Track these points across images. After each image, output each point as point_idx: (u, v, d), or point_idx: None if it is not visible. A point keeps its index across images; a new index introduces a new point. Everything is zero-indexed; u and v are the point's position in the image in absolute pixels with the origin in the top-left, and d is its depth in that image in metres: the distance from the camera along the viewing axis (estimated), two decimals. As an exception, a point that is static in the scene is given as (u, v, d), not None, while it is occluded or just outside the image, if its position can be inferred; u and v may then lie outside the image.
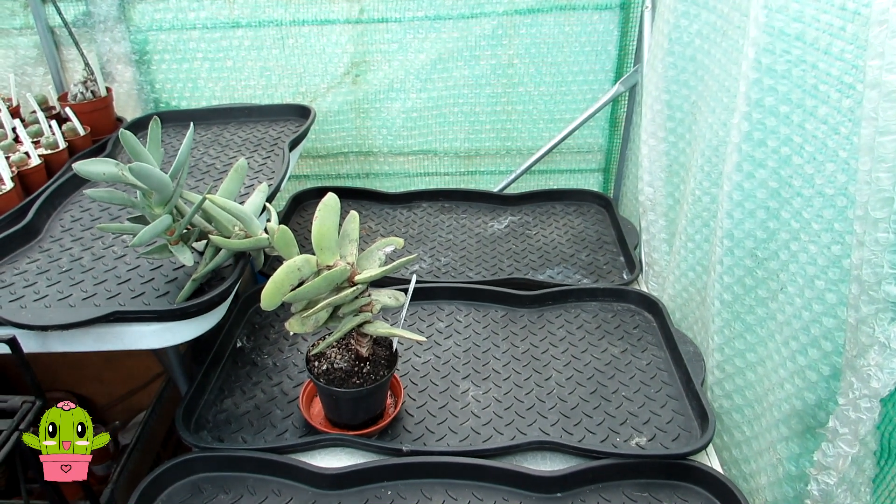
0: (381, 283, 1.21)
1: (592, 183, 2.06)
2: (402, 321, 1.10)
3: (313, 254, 0.97)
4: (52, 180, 1.40)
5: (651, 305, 1.40)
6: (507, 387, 1.22)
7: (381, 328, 1.03)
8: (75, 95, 1.64)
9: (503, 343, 1.32)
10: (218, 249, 1.08)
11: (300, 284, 0.94)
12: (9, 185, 1.31)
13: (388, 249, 1.04)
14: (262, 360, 1.30)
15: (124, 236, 1.23)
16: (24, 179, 1.38)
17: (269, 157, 1.56)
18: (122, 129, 1.01)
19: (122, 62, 1.83)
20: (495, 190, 1.94)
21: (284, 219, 1.76)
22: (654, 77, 1.50)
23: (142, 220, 1.05)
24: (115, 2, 1.75)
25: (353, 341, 1.08)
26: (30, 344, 1.01)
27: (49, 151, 1.47)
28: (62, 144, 1.50)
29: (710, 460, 1.07)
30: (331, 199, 0.99)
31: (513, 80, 1.87)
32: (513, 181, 1.98)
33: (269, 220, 1.04)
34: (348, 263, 0.98)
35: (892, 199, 0.75)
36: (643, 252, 1.63)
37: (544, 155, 1.94)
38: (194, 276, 1.07)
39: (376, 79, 1.87)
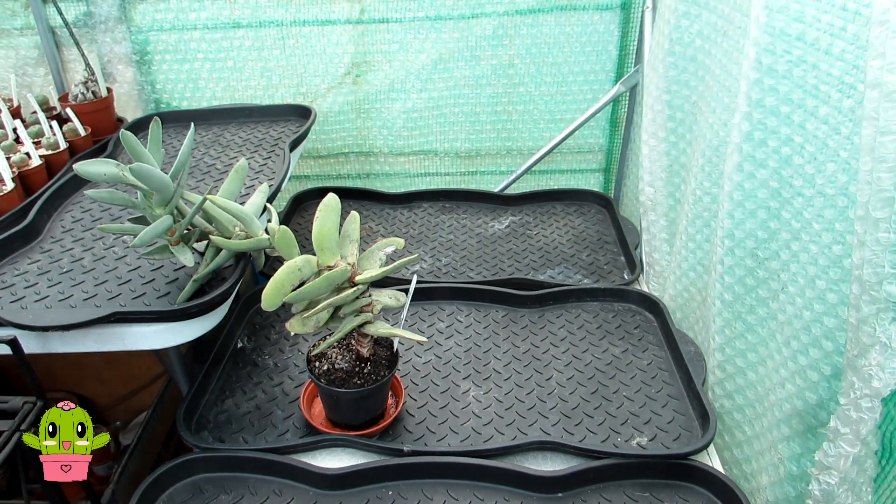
0: (381, 283, 1.21)
1: (593, 183, 2.06)
2: (403, 321, 1.10)
3: (314, 254, 0.97)
4: (52, 181, 1.40)
5: (652, 305, 1.40)
6: (507, 387, 1.22)
7: (381, 328, 1.03)
8: (76, 96, 1.64)
9: (504, 343, 1.32)
10: (219, 250, 1.08)
11: (301, 285, 0.94)
12: (10, 185, 1.31)
13: (389, 250, 1.04)
14: (263, 360, 1.30)
15: (125, 237, 1.23)
16: (24, 180, 1.38)
17: (269, 157, 1.56)
18: (122, 130, 1.01)
19: (123, 62, 1.83)
20: (496, 190, 1.94)
21: (285, 219, 1.76)
22: (654, 77, 1.50)
23: (142, 221, 1.05)
24: (116, 2, 1.76)
25: (353, 342, 1.08)
26: (31, 344, 1.01)
27: (50, 152, 1.47)
28: (63, 145, 1.50)
29: (712, 460, 1.07)
30: (331, 200, 0.99)
31: (513, 81, 1.87)
32: (513, 181, 1.98)
33: (269, 221, 1.04)
34: (349, 264, 0.98)
35: (893, 199, 0.75)
36: (644, 252, 1.63)
37: (545, 155, 1.94)
38: (195, 277, 1.07)
39: (377, 79, 1.87)
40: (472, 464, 1.05)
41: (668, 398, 1.18)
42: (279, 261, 0.97)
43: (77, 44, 1.65)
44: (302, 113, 1.76)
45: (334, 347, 1.10)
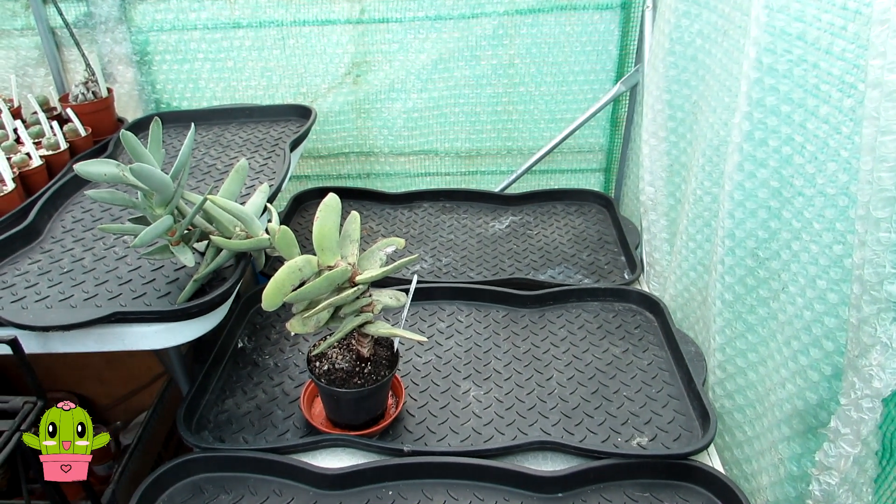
0: (382, 283, 1.21)
1: (593, 183, 2.05)
2: (404, 321, 1.10)
3: (314, 254, 0.97)
4: (53, 181, 1.40)
5: (652, 305, 1.40)
6: (508, 387, 1.22)
7: (382, 328, 1.03)
8: (76, 96, 1.64)
9: (504, 343, 1.32)
10: (219, 250, 1.08)
11: (301, 285, 0.94)
12: (10, 185, 1.31)
13: (389, 250, 1.04)
14: (264, 360, 1.30)
15: (125, 237, 1.23)
16: (25, 180, 1.38)
17: (269, 157, 1.56)
18: (123, 130, 1.01)
19: (124, 63, 1.83)
20: (496, 190, 1.94)
21: (285, 219, 1.76)
22: (655, 77, 1.50)
23: (143, 221, 1.05)
24: (117, 2, 1.76)
25: (354, 342, 1.08)
26: (31, 344, 1.01)
27: (50, 152, 1.47)
28: (63, 145, 1.50)
29: (712, 460, 1.07)
30: (332, 200, 0.99)
31: (514, 80, 1.87)
32: (514, 181, 1.98)
33: (270, 221, 1.04)
34: (349, 264, 0.98)
35: (894, 199, 0.75)
36: (644, 252, 1.63)
37: (545, 155, 1.94)
38: (195, 277, 1.07)
39: (377, 79, 1.87)
40: (473, 464, 1.04)
41: (668, 398, 1.18)
42: (279, 261, 0.97)
43: (77, 44, 1.65)
44: (302, 113, 1.76)
45: (335, 347, 1.10)
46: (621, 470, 1.05)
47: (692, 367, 1.20)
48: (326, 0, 1.76)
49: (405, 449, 1.07)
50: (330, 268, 0.96)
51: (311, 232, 0.97)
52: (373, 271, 0.98)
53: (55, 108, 1.70)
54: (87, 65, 1.65)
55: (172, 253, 1.05)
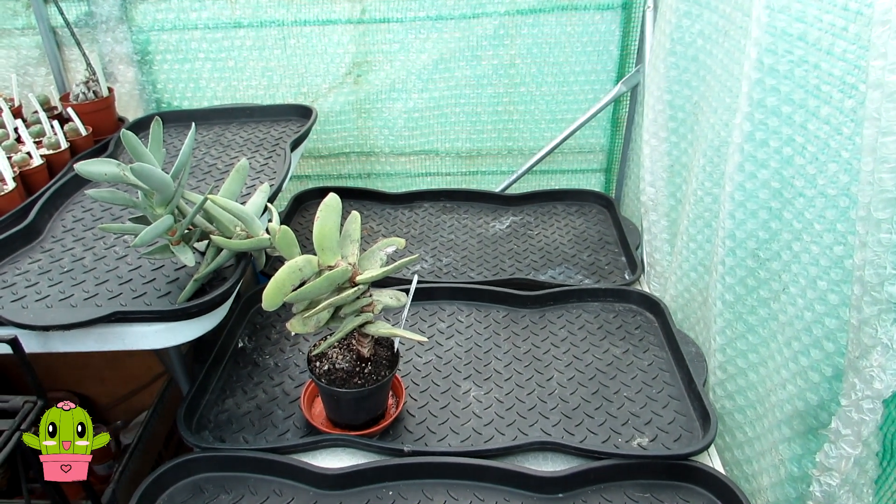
0: (382, 283, 1.21)
1: (594, 183, 2.05)
2: (404, 321, 1.10)
3: (315, 254, 0.97)
4: (53, 180, 1.40)
5: (653, 306, 1.40)
6: (508, 387, 1.22)
7: (382, 328, 1.03)
8: (77, 96, 1.64)
9: (505, 343, 1.32)
10: (219, 250, 1.08)
11: (302, 285, 0.94)
12: (11, 185, 1.31)
13: (390, 250, 1.04)
14: (264, 360, 1.30)
15: (126, 236, 1.23)
16: (26, 179, 1.38)
17: (270, 157, 1.56)
18: (123, 130, 1.01)
19: (124, 62, 1.83)
20: (497, 190, 1.94)
21: (286, 219, 1.76)
22: (655, 77, 1.50)
23: (143, 221, 1.05)
24: (117, 2, 1.76)
25: (354, 342, 1.08)
26: (31, 344, 1.01)
27: (51, 152, 1.47)
28: (64, 144, 1.50)
29: (712, 461, 1.07)
30: (332, 200, 0.99)
31: (514, 81, 1.87)
32: (514, 181, 1.98)
33: (270, 221, 1.04)
34: (350, 264, 0.98)
35: (895, 200, 0.74)
36: (645, 252, 1.63)
37: (546, 155, 1.94)
38: (196, 277, 1.07)
39: (378, 79, 1.87)
40: (473, 464, 1.04)
41: (668, 399, 1.18)
42: (280, 260, 0.97)
43: (78, 43, 1.65)
44: (303, 113, 1.76)
45: (335, 347, 1.10)
46: (622, 470, 1.05)
47: (693, 368, 1.20)
48: (327, 0, 1.76)
49: (405, 449, 1.07)
50: (330, 268, 0.96)
51: (312, 232, 0.97)
52: (373, 271, 0.98)
53: (56, 108, 1.70)
54: (88, 64, 1.65)
55: (173, 252, 1.05)
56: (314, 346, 1.10)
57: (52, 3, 1.73)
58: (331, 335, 1.07)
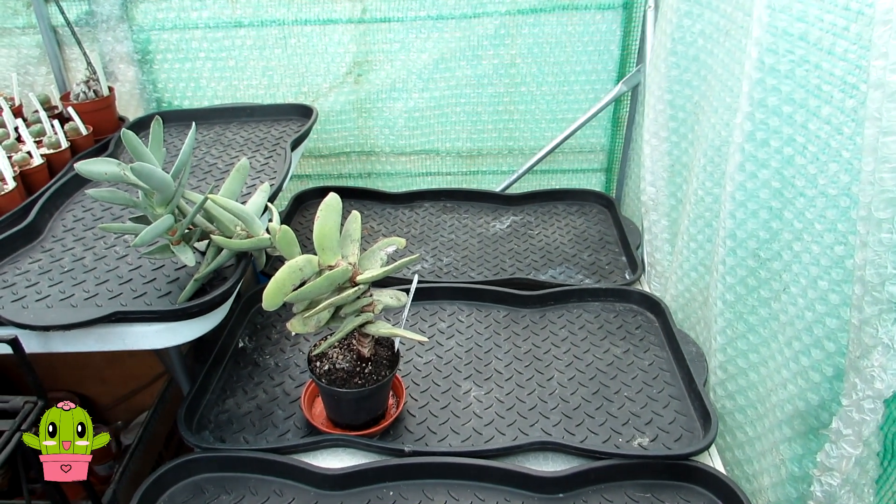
0: (382, 283, 1.21)
1: (595, 183, 2.05)
2: (404, 321, 1.10)
3: (315, 254, 0.97)
4: (54, 180, 1.40)
5: (653, 306, 1.40)
6: (509, 387, 1.22)
7: (382, 328, 1.03)
8: (77, 95, 1.64)
9: (505, 343, 1.32)
10: (220, 249, 1.07)
11: (302, 284, 0.94)
12: (11, 184, 1.31)
13: (390, 249, 1.04)
14: (264, 360, 1.30)
15: (126, 236, 1.23)
16: (26, 179, 1.38)
17: (270, 156, 1.56)
18: (123, 129, 1.01)
19: (125, 62, 1.83)
20: (497, 190, 1.94)
21: (286, 219, 1.76)
22: (656, 77, 1.50)
23: (144, 220, 1.05)
24: (118, 1, 1.76)
25: (354, 341, 1.08)
26: (32, 344, 1.01)
27: (51, 151, 1.47)
28: (64, 144, 1.50)
29: (713, 461, 1.07)
30: (332, 199, 0.99)
31: (515, 80, 1.87)
32: (515, 181, 1.97)
33: (270, 220, 1.04)
34: (350, 263, 0.98)
35: (896, 200, 0.74)
36: (645, 252, 1.63)
37: (546, 155, 1.94)
38: (196, 277, 1.07)
39: (378, 78, 1.87)
40: (473, 464, 1.04)
41: (669, 399, 1.18)
42: (280, 260, 0.97)
43: (79, 43, 1.65)
44: (303, 112, 1.76)
45: (335, 347, 1.10)
46: (622, 470, 1.05)
47: (693, 368, 1.19)
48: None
49: (406, 449, 1.07)
50: (331, 267, 0.96)
51: (312, 231, 0.96)
52: (373, 271, 0.98)
53: (56, 107, 1.70)
54: (89, 63, 1.65)
55: (173, 252, 1.05)
56: (314, 345, 1.10)
57: (52, 2, 1.73)
58: (331, 335, 1.07)
